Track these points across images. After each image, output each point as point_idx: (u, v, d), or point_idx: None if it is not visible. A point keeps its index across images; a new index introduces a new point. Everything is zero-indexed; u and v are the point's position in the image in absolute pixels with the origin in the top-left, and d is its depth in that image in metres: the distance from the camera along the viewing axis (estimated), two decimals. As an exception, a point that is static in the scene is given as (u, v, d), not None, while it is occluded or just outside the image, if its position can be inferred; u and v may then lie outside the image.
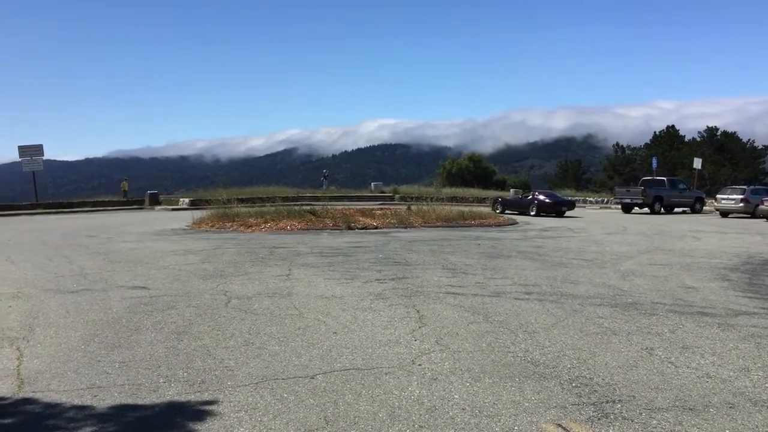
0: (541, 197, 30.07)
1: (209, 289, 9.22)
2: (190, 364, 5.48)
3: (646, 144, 72.44)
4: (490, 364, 5.42)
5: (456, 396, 4.62)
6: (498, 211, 29.38)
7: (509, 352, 5.82)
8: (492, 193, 43.69)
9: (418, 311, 7.60)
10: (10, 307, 8.16)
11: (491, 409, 4.36)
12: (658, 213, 31.69)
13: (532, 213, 28.93)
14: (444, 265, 11.71)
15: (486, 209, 25.82)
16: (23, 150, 41.05)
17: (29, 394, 4.73)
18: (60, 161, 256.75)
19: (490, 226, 21.62)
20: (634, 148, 74.53)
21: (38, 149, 41.43)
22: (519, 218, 25.49)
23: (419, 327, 6.81)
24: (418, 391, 4.72)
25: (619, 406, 4.44)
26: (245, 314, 7.51)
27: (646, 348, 5.96)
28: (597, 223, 24.47)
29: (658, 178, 35.65)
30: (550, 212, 28.79)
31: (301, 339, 6.34)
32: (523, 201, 30.85)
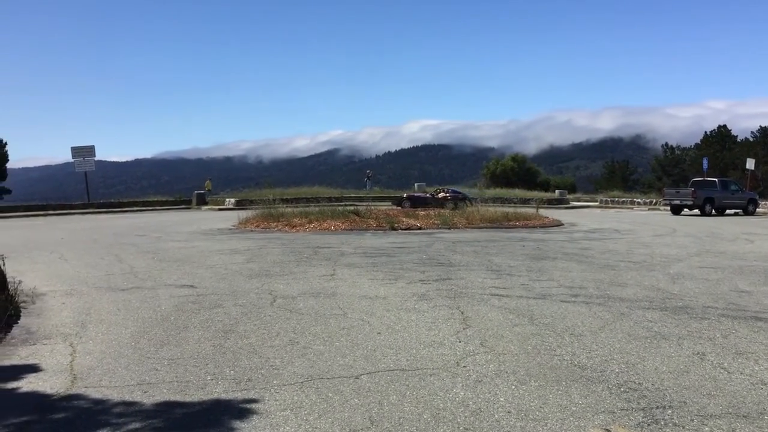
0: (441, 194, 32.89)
1: (255, 289, 9.33)
2: (237, 363, 5.55)
3: (696, 144, 70.73)
4: (536, 367, 5.35)
5: (501, 398, 4.58)
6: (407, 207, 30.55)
7: (555, 355, 5.74)
8: (537, 194, 43.19)
9: (462, 313, 7.56)
10: (64, 304, 8.40)
11: (537, 413, 4.30)
12: (709, 215, 30.87)
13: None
14: (488, 266, 11.62)
15: (531, 210, 25.49)
16: (76, 151, 42.23)
17: (81, 390, 4.85)
18: (110, 162, 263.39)
19: (534, 227, 21.38)
20: (684, 148, 72.85)
21: (90, 150, 42.55)
22: (565, 220, 25.11)
23: (464, 329, 6.77)
24: (462, 393, 4.69)
25: (669, 412, 4.33)
26: (290, 313, 7.58)
27: (698, 353, 5.80)
28: (645, 224, 23.97)
29: (709, 179, 34.72)
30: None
31: (345, 339, 6.37)
32: (431, 199, 32.33)
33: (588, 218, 28.35)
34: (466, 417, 4.24)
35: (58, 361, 5.67)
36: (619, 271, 10.98)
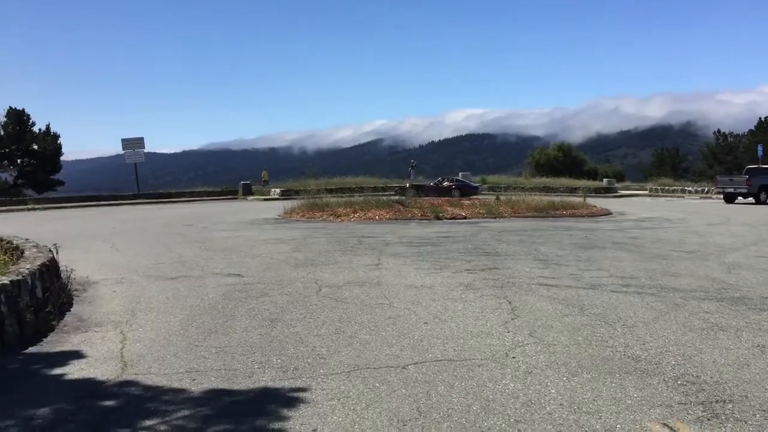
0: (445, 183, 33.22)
1: (300, 278, 9.34)
2: (284, 351, 5.54)
3: (750, 131, 68.38)
4: (588, 359, 5.20)
5: (553, 390, 4.46)
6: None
7: (607, 346, 5.57)
8: (583, 183, 42.46)
9: (509, 302, 7.42)
10: (114, 292, 8.55)
11: (591, 406, 4.17)
12: (765, 203, 29.84)
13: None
14: (535, 256, 11.42)
15: (578, 199, 25.03)
16: (126, 143, 43.22)
17: (131, 377, 4.91)
18: (159, 153, 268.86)
19: (582, 216, 20.98)
20: (737, 135, 70.52)
21: (140, 142, 43.48)
22: (613, 208, 24.56)
23: (512, 319, 6.64)
24: (512, 385, 4.58)
25: (730, 406, 4.15)
26: (336, 303, 7.56)
27: (758, 345, 5.56)
28: (697, 213, 23.30)
29: (764, 166, 33.56)
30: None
31: (391, 328, 6.31)
32: (436, 188, 32.32)
33: (637, 207, 27.70)
34: (516, 409, 4.13)
35: (108, 348, 5.76)
36: (672, 261, 10.66)
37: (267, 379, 4.80)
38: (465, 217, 19.86)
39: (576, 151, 75.16)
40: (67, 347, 5.85)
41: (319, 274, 9.68)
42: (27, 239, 10.07)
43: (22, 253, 8.48)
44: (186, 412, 4.14)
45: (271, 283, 8.90)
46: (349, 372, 4.94)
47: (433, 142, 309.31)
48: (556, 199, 23.81)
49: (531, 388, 4.50)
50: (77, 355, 5.57)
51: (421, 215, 20.06)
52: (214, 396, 4.43)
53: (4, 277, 6.23)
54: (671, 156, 77.21)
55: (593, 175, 64.62)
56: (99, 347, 5.81)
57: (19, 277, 6.29)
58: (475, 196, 29.16)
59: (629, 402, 4.23)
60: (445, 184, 32.49)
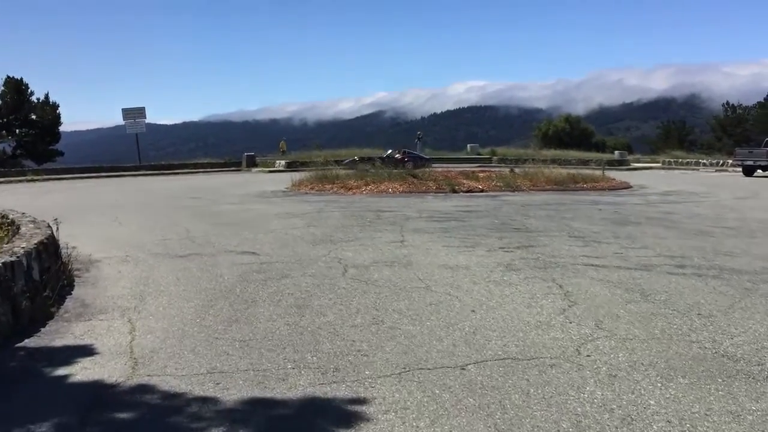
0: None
1: (321, 256, 8.59)
2: (318, 346, 4.79)
3: (759, 103, 67.02)
4: (676, 358, 4.45)
5: (651, 401, 3.71)
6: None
7: (692, 341, 4.82)
8: (595, 155, 41.52)
9: (560, 286, 6.66)
10: (120, 272, 7.79)
11: (706, 424, 3.42)
12: (786, 176, 28.98)
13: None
14: (569, 232, 10.65)
15: (595, 172, 24.18)
16: (127, 113, 42.26)
17: (144, 379, 4.16)
18: (160, 125, 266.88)
19: (603, 189, 20.18)
20: (746, 107, 69.19)
21: (141, 112, 42.53)
22: (631, 182, 23.68)
23: (569, 306, 5.89)
24: (600, 393, 3.84)
25: None
26: (366, 286, 6.80)
27: None
28: (720, 186, 22.48)
29: (783, 138, 32.58)
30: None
31: (435, 317, 5.55)
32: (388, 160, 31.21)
33: (655, 180, 26.86)
34: (615, 427, 3.39)
35: (116, 341, 5.01)
36: (719, 239, 9.89)
37: (305, 383, 4.05)
38: (482, 190, 19.06)
39: (584, 123, 73.87)
40: (68, 340, 5.10)
41: (341, 252, 8.91)
42: (24, 213, 9.29)
43: (18, 229, 7.70)
44: (217, 431, 3.39)
45: (290, 263, 8.14)
46: (399, 374, 4.19)
47: (435, 114, 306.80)
48: (573, 171, 22.94)
49: (623, 398, 3.76)
50: (80, 350, 4.83)
51: (436, 188, 19.27)
52: (247, 408, 3.68)
53: (-5, 259, 5.46)
54: (678, 128, 75.93)
55: (601, 147, 63.47)
56: (105, 339, 5.06)
57: (14, 258, 5.52)
58: (454, 168, 28.07)
59: (750, 419, 3.48)
60: (397, 156, 31.94)
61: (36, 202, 18.37)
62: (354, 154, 40.10)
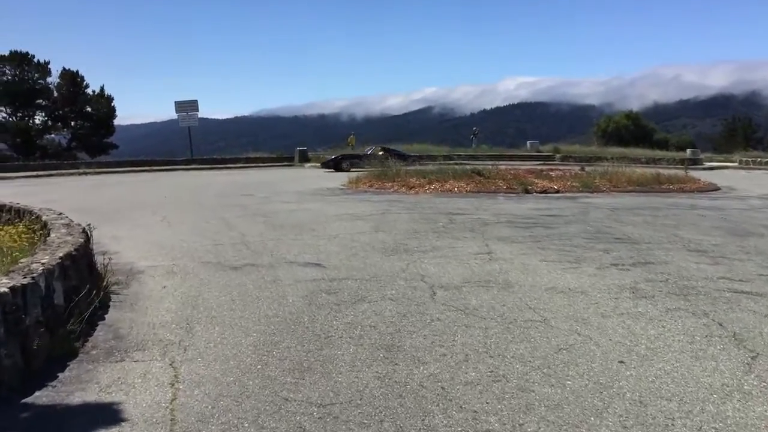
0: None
1: (399, 270, 7.21)
2: (429, 421, 3.41)
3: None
4: None
5: None
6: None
7: None
8: (666, 154, 39.17)
9: (720, 324, 5.13)
10: (165, 288, 6.56)
11: None
12: None
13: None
14: (684, 244, 9.02)
15: (679, 172, 22.18)
16: (180, 105, 41.71)
17: (189, 477, 2.85)
18: (212, 119, 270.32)
19: (691, 191, 18.26)
20: (820, 104, 65.24)
21: (193, 105, 41.94)
22: (719, 183, 21.61)
23: (751, 358, 4.36)
24: None
25: None
26: (466, 317, 5.39)
27: None
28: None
29: None
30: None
31: (575, 372, 4.12)
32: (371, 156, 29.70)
33: (740, 181, 24.61)
34: None
35: (152, 399, 3.73)
36: None
37: (425, 497, 2.68)
38: (557, 191, 17.39)
39: (645, 120, 70.87)
40: (90, 394, 3.84)
41: (421, 265, 7.53)
42: (60, 214, 8.20)
43: (48, 234, 6.57)
44: None
45: (364, 280, 6.79)
46: (564, 482, 2.78)
47: (484, 110, 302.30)
48: (654, 171, 21.02)
49: None
50: (103, 412, 3.56)
51: (507, 188, 17.69)
52: None
53: (4, 279, 4.25)
54: (744, 126, 72.16)
55: (664, 145, 60.51)
56: (138, 395, 3.79)
57: (27, 280, 4.30)
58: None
59: None
60: (380, 153, 30.54)
61: (83, 197, 17.53)
62: (416, 150, 38.72)
